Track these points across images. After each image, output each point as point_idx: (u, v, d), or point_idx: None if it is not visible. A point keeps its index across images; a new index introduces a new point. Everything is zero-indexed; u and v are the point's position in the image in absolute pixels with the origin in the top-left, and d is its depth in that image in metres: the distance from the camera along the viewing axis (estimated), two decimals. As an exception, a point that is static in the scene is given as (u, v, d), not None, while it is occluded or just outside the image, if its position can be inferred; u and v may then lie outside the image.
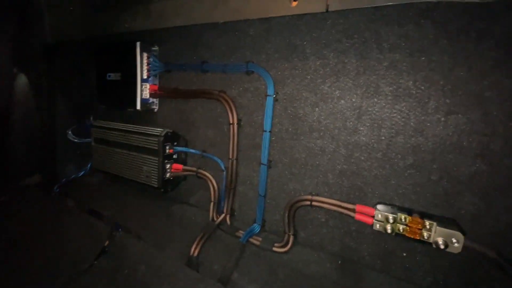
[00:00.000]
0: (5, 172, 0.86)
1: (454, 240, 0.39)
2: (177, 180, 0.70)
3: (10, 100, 0.81)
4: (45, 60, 0.81)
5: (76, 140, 0.82)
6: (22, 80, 0.84)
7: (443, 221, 0.40)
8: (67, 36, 0.75)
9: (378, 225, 0.44)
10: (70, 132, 0.83)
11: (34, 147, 0.88)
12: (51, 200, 0.79)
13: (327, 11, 0.38)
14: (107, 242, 0.61)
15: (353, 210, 0.47)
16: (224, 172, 0.62)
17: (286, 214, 0.54)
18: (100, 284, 0.53)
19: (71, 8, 0.72)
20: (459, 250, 0.39)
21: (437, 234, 0.41)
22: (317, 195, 0.51)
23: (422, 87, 0.41)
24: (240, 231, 0.58)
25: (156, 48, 0.70)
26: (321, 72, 0.49)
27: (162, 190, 0.66)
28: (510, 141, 0.37)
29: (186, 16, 0.56)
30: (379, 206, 0.45)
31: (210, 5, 0.50)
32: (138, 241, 0.59)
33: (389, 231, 0.43)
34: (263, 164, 0.56)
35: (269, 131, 0.55)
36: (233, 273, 0.51)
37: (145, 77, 0.69)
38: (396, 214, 0.43)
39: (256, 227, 0.59)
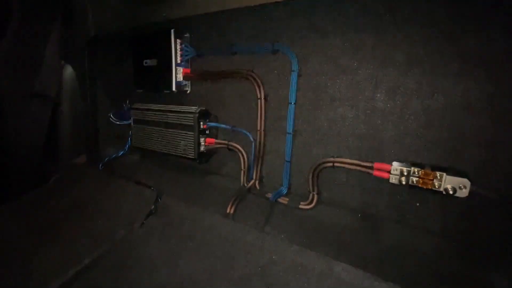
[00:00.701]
0: (56, 153, 0.97)
1: (461, 186, 0.45)
2: (210, 153, 0.78)
3: (60, 89, 0.92)
4: (88, 52, 0.91)
5: (118, 122, 0.92)
6: (69, 71, 0.94)
7: (452, 171, 0.46)
8: (108, 29, 0.84)
9: (394, 179, 0.51)
10: (111, 115, 0.93)
11: (80, 131, 0.99)
12: (99, 176, 0.90)
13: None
14: (153, 206, 0.71)
15: (371, 168, 0.53)
16: (253, 143, 0.69)
17: (310, 176, 0.61)
18: (152, 237, 0.62)
19: (111, 3, 0.81)
20: (466, 195, 0.45)
21: (446, 183, 0.46)
22: (339, 157, 0.58)
23: (433, 55, 0.47)
24: (269, 194, 0.66)
25: (187, 35, 0.78)
26: (340, 47, 0.55)
27: (198, 161, 0.74)
28: (510, 97, 0.42)
29: (214, 3, 0.63)
30: (394, 163, 0.51)
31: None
32: (180, 203, 0.68)
33: (403, 182, 0.50)
34: (288, 133, 0.63)
35: (294, 103, 0.62)
36: (266, 225, 0.59)
37: (178, 61, 0.77)
38: (410, 168, 0.49)
39: (284, 189, 0.66)
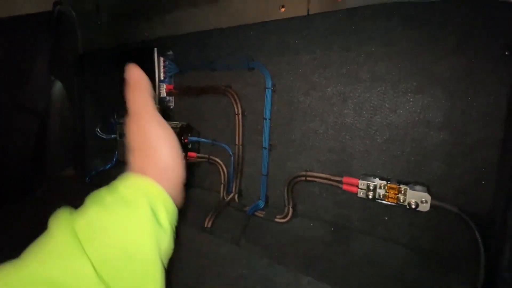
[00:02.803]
0: (44, 166, 0.99)
1: (423, 200, 0.46)
2: (192, 167, 0.79)
3: (49, 104, 0.95)
4: (76, 68, 0.94)
5: (104, 136, 0.94)
6: (58, 86, 0.97)
7: (415, 185, 0.48)
8: (96, 46, 0.87)
9: (361, 193, 0.52)
10: (98, 130, 0.95)
11: (68, 144, 1.01)
12: (86, 188, 0.91)
13: (308, 14, 0.47)
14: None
15: (341, 182, 0.54)
16: (232, 157, 0.71)
17: (285, 189, 0.62)
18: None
19: (99, 22, 0.84)
20: (427, 209, 0.46)
21: (409, 197, 0.48)
22: (311, 171, 0.59)
23: (393, 73, 0.49)
24: (247, 207, 0.67)
25: (170, 52, 0.81)
26: (310, 65, 0.58)
27: (179, 174, 0.75)
28: (466, 113, 0.44)
29: (195, 24, 0.66)
30: (362, 176, 0.52)
31: (214, 13, 0.59)
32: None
33: (370, 197, 0.51)
34: (264, 148, 0.65)
35: (269, 119, 0.64)
36: (241, 239, 0.60)
37: (162, 78, 0.80)
38: (376, 182, 0.51)
39: (261, 203, 0.67)
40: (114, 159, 0.97)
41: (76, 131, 1.00)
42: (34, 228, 0.77)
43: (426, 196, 0.46)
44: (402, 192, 0.49)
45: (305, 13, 0.47)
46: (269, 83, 0.63)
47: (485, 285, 0.38)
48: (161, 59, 0.79)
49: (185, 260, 0.57)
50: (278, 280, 0.48)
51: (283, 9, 0.49)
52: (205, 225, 0.64)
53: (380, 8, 0.48)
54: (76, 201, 0.86)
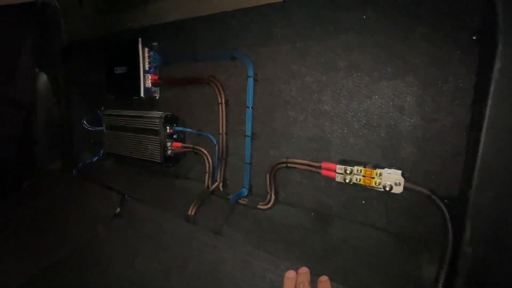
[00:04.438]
0: (30, 159, 0.99)
1: (397, 183, 0.48)
2: (177, 157, 0.80)
3: (34, 97, 0.94)
4: (62, 59, 0.94)
5: (90, 128, 0.94)
6: (43, 78, 0.97)
7: (390, 169, 0.49)
8: (80, 37, 0.87)
9: (339, 177, 0.53)
10: (84, 122, 0.95)
11: (55, 137, 1.01)
12: (72, 181, 0.91)
13: (284, 0, 0.47)
14: (118, 209, 0.72)
15: (320, 167, 0.56)
16: (216, 146, 0.72)
17: (268, 177, 0.63)
18: (115, 238, 0.64)
19: (82, 13, 0.83)
20: (401, 191, 0.47)
21: (384, 180, 0.49)
22: (292, 158, 0.60)
23: (368, 60, 0.50)
24: (231, 195, 0.68)
25: (155, 43, 0.81)
26: (290, 54, 0.59)
27: (165, 165, 0.76)
28: (436, 99, 0.45)
29: (176, 13, 0.66)
30: (340, 162, 0.54)
31: (195, 1, 0.60)
32: (145, 206, 0.70)
33: (347, 181, 0.52)
34: (247, 136, 0.66)
35: (251, 107, 0.65)
36: (223, 226, 0.61)
37: (147, 69, 0.80)
38: (352, 166, 0.52)
39: (244, 191, 0.68)
40: (102, 152, 0.97)
41: (63, 124, 1.00)
42: (21, 221, 0.78)
43: (399, 179, 0.48)
44: (378, 175, 0.50)
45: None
46: (251, 72, 0.63)
47: (451, 261, 0.40)
48: (146, 49, 0.79)
49: (168, 247, 0.58)
50: (257, 264, 0.49)
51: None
52: (189, 213, 0.65)
53: (355, -3, 0.49)
54: (61, 194, 0.87)
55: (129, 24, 0.74)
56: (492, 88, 0.32)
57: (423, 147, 0.47)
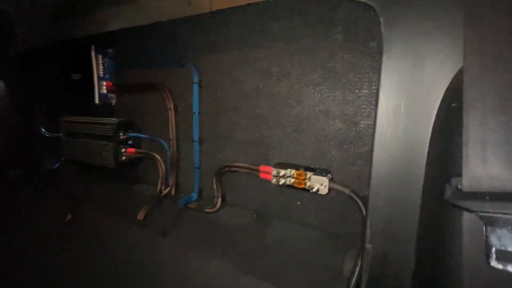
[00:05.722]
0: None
1: (323, 184, 0.50)
2: (133, 162, 0.81)
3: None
4: (19, 66, 0.93)
5: (47, 135, 0.94)
6: (1, 86, 0.96)
7: (319, 171, 0.51)
8: (35, 44, 0.87)
9: (274, 180, 0.55)
10: (42, 129, 0.95)
11: (16, 144, 1.00)
12: (30, 188, 0.91)
13: (211, 11, 0.49)
14: (69, 216, 0.72)
15: (258, 170, 0.58)
16: (168, 152, 0.73)
17: (214, 181, 0.65)
18: (63, 244, 0.64)
19: (37, 20, 0.83)
20: (326, 192, 0.50)
21: (313, 182, 0.52)
22: (236, 162, 0.62)
23: (297, 67, 0.53)
24: (180, 200, 0.69)
25: (110, 50, 0.82)
26: (230, 61, 0.61)
27: (118, 171, 0.77)
28: (355, 103, 0.48)
29: (120, 21, 0.67)
30: (275, 165, 0.56)
31: (135, 11, 0.61)
32: (96, 212, 0.70)
33: (281, 183, 0.54)
34: (195, 141, 0.67)
35: (198, 113, 0.66)
36: (170, 229, 0.62)
37: (101, 75, 0.80)
38: (286, 169, 0.54)
39: (194, 195, 0.70)
40: (63, 159, 0.97)
41: (24, 131, 0.99)
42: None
43: (324, 180, 0.50)
44: (308, 177, 0.52)
45: (208, 10, 0.49)
46: (196, 79, 0.65)
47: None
48: (100, 56, 0.79)
49: (114, 251, 0.59)
50: (192, 264, 0.51)
51: (190, 6, 0.51)
52: (138, 218, 0.66)
53: (283, 6, 0.52)
54: (25, 203, 0.86)
55: (78, 31, 0.74)
56: (379, 97, 0.34)
57: (346, 149, 0.50)
